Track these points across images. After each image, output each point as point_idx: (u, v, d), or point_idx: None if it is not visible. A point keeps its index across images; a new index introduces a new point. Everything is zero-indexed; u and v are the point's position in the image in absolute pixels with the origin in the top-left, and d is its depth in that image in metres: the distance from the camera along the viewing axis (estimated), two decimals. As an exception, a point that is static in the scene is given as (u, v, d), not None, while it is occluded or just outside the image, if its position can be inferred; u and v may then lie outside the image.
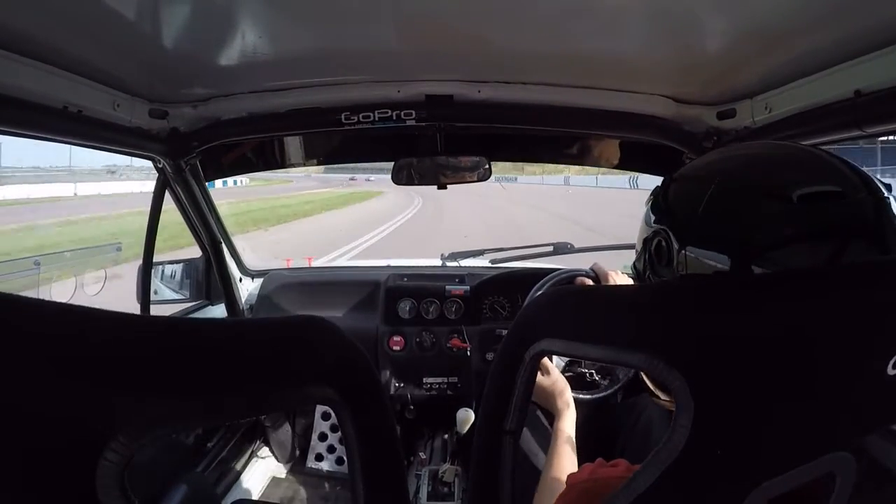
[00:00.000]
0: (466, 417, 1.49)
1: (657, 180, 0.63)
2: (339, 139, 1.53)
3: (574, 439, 0.84)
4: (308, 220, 14.54)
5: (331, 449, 1.89)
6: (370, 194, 25.64)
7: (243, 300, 1.79)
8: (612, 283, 1.06)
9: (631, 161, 1.56)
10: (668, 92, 1.15)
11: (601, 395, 1.20)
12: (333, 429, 1.91)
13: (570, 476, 0.55)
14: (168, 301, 1.65)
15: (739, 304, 0.36)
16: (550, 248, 1.79)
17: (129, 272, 1.53)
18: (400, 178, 1.35)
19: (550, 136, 1.46)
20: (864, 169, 0.45)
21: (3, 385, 0.27)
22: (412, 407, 1.67)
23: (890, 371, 0.34)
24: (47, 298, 0.30)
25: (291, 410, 1.88)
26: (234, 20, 0.80)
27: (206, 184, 1.48)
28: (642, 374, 0.56)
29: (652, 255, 0.54)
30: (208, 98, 1.15)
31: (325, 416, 1.93)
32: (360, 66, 1.06)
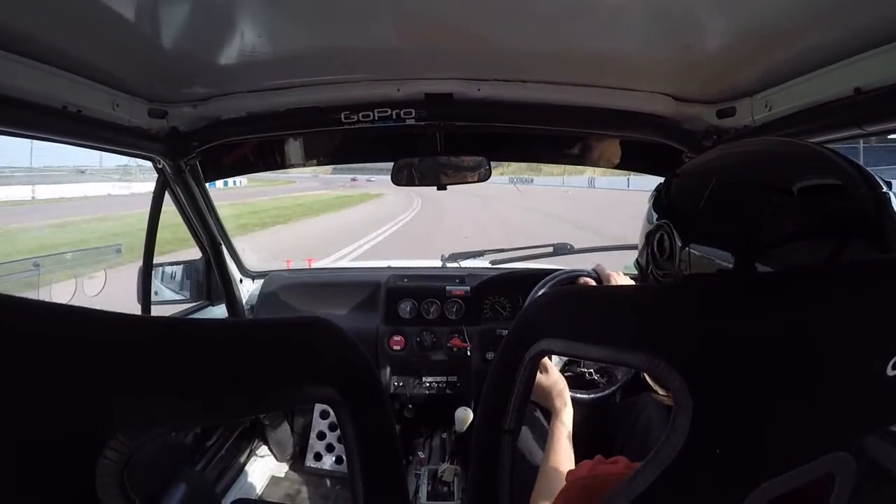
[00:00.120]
0: (465, 416, 1.48)
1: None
2: (338, 139, 1.53)
3: (572, 437, 0.84)
4: (266, 231, 12.08)
5: (329, 448, 1.90)
6: (366, 197, 24.03)
7: (244, 301, 1.79)
8: (613, 283, 1.05)
9: (631, 161, 1.55)
10: (668, 90, 1.15)
11: (600, 394, 1.20)
12: (332, 427, 1.91)
13: (570, 473, 0.55)
14: (169, 302, 1.65)
15: (744, 304, 0.36)
16: (551, 249, 1.80)
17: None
18: (400, 179, 1.35)
19: (550, 135, 1.45)
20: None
21: (4, 386, 0.27)
22: (411, 406, 1.68)
23: (890, 372, 0.34)
24: (46, 297, 0.30)
25: (291, 409, 1.88)
26: (234, 19, 0.81)
27: (206, 184, 1.48)
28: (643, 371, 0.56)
29: (654, 249, 0.54)
30: (208, 97, 1.15)
31: (324, 415, 1.93)
32: (359, 65, 1.06)
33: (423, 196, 18.68)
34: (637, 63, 0.99)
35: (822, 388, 0.35)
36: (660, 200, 0.57)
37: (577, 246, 1.82)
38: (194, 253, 1.70)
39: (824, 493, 0.38)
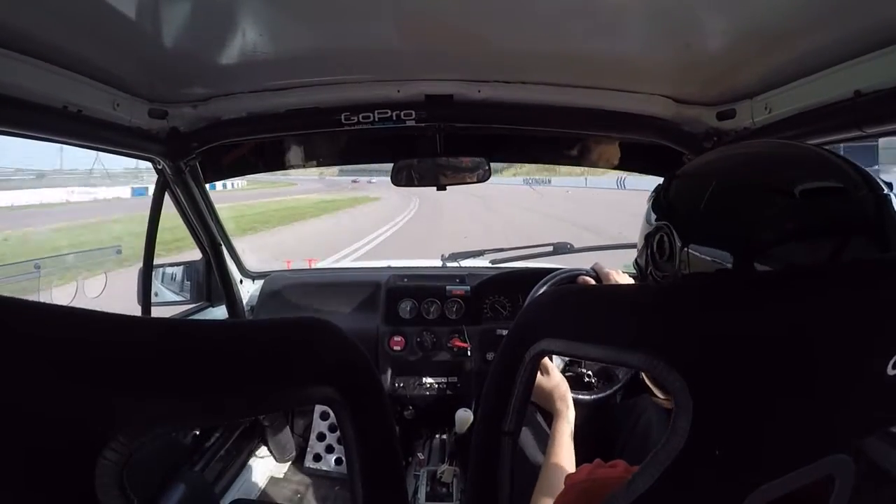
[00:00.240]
0: (465, 418, 1.48)
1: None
2: (338, 141, 1.53)
3: (573, 440, 0.84)
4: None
5: (329, 449, 1.89)
6: (355, 201, 21.34)
7: (244, 302, 1.79)
8: (613, 282, 1.05)
9: (631, 162, 1.55)
10: (668, 92, 1.15)
11: (601, 395, 1.19)
12: (332, 429, 1.91)
13: (569, 477, 0.55)
14: (169, 303, 1.65)
15: (744, 302, 0.35)
16: (550, 248, 1.80)
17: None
18: (399, 180, 1.35)
19: (550, 136, 1.45)
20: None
21: (5, 387, 0.27)
22: (411, 407, 1.67)
23: (890, 371, 0.34)
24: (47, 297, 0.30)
25: (291, 410, 1.88)
26: (234, 19, 0.81)
27: (207, 185, 1.48)
28: (642, 373, 0.56)
29: (654, 251, 0.54)
30: (208, 98, 1.15)
31: (324, 416, 1.93)
32: (359, 66, 1.06)
33: (421, 197, 18.09)
34: (637, 65, 1.00)
35: (822, 387, 0.35)
36: (659, 202, 0.56)
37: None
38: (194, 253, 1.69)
39: (824, 494, 0.38)
